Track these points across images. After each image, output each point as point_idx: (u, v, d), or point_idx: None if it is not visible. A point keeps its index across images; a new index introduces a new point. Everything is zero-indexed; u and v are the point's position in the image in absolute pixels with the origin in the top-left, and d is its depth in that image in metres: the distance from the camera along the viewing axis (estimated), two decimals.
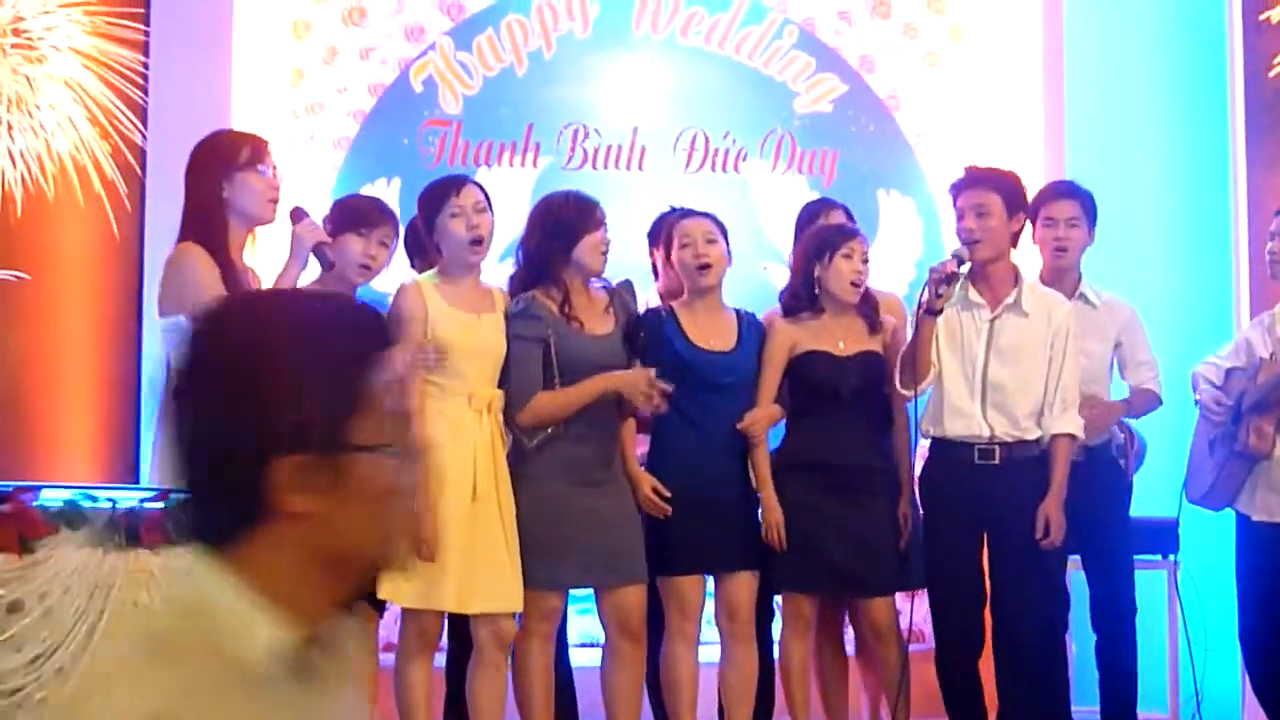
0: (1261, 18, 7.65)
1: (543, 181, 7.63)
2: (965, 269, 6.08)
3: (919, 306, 6.05)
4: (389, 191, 7.60)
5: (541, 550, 5.78)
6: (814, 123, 8.14)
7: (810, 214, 6.67)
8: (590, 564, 5.87)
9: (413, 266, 6.24)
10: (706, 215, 6.23)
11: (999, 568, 6.12)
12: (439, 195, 5.84)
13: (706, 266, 6.11)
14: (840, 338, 6.19)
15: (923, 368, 6.02)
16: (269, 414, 1.95)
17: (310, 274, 5.68)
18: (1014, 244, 6.19)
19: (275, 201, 5.46)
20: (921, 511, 6.21)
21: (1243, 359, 6.27)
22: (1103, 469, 6.49)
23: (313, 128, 7.77)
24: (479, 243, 5.76)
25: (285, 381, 1.96)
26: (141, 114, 7.40)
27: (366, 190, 7.33)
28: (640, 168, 7.97)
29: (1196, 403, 6.37)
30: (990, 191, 6.08)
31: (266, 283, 5.51)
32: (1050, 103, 8.14)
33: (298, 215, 5.55)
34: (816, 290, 6.21)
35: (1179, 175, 7.96)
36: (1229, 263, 7.63)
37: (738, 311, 6.26)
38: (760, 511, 6.10)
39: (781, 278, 6.78)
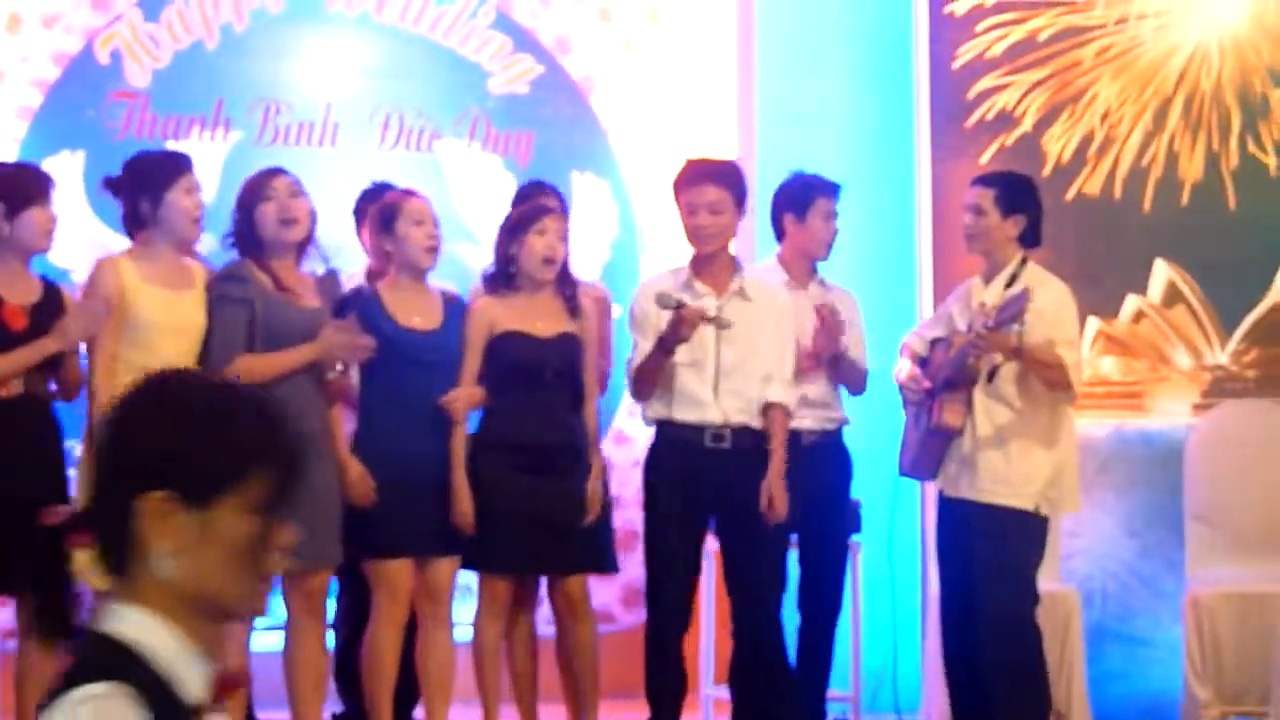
0: (946, 11, 7.81)
1: (233, 157, 7.52)
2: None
3: (661, 340, 6.01)
4: (73, 163, 7.41)
5: None
6: (509, 104, 8.11)
7: (522, 196, 6.65)
8: (297, 548, 5.74)
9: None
10: (424, 197, 6.22)
11: (730, 551, 6.19)
12: (171, 171, 5.78)
13: (435, 249, 6.12)
14: (539, 318, 6.17)
15: (658, 387, 6.06)
16: (146, 453, 2.23)
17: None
18: (733, 234, 6.25)
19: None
20: (643, 493, 6.23)
21: (944, 330, 6.37)
22: (837, 453, 6.70)
23: None
24: (198, 222, 5.70)
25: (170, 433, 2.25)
26: None
27: (50, 163, 7.11)
28: (333, 144, 7.87)
29: (896, 379, 6.45)
30: (723, 188, 6.14)
31: None
32: (742, 88, 8.21)
33: None
34: (513, 269, 6.17)
35: (867, 161, 8.07)
36: (912, 247, 7.77)
37: (442, 291, 6.22)
38: (451, 498, 6.05)
39: (472, 257, 6.73)
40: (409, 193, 6.26)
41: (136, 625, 2.24)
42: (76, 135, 7.59)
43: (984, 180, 6.44)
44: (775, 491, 6.06)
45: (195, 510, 2.25)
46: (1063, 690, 6.59)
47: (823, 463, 6.55)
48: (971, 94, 7.81)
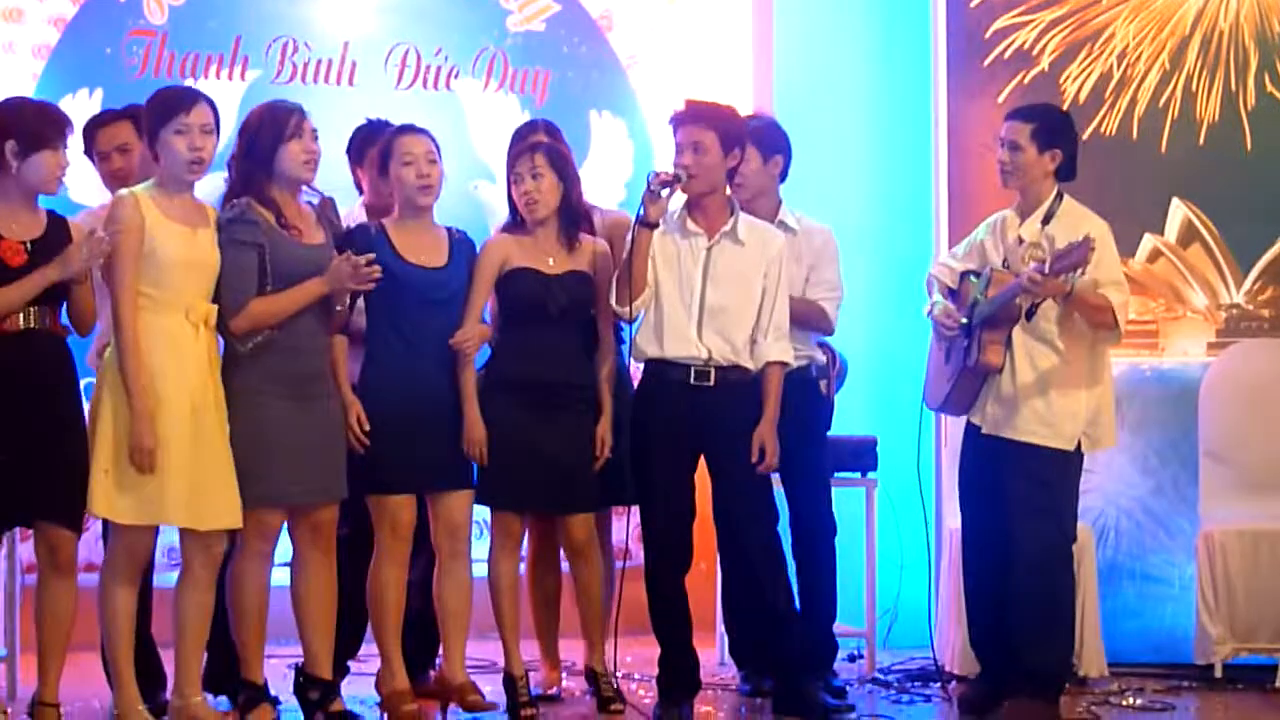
0: None
1: (251, 95, 7.51)
2: (679, 187, 6.06)
3: (636, 219, 6.04)
4: (90, 103, 7.44)
5: (257, 466, 5.72)
6: (526, 42, 8.13)
7: (519, 135, 6.63)
8: (301, 479, 5.80)
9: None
10: (425, 132, 6.16)
11: (718, 488, 6.18)
12: (169, 108, 5.69)
13: (429, 188, 6.06)
14: (550, 255, 6.17)
15: (638, 282, 6.03)
16: None
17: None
18: (730, 178, 6.20)
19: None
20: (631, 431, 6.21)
21: (976, 262, 6.35)
22: (803, 390, 6.55)
23: (11, 35, 7.59)
24: (199, 164, 5.64)
25: None
26: None
27: (67, 101, 7.11)
28: (351, 83, 7.89)
29: (928, 314, 6.42)
30: (708, 129, 6.09)
31: None
32: (759, 27, 8.20)
33: None
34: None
35: (884, 98, 8.08)
36: (929, 186, 7.75)
37: (448, 229, 6.21)
38: (463, 430, 6.07)
39: (491, 196, 6.72)
40: (401, 130, 6.20)
41: None
42: (94, 73, 7.63)
43: (1019, 114, 6.37)
44: (767, 442, 6.06)
45: None
46: (1076, 627, 6.58)
47: (789, 402, 6.33)
48: (989, 32, 7.79)
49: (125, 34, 7.69)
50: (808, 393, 6.60)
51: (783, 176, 6.64)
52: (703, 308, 6.10)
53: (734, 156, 6.16)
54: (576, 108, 7.71)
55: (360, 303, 6.03)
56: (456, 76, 8.03)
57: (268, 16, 7.86)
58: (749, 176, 6.43)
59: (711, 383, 6.09)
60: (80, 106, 7.33)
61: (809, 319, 6.54)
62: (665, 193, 6.03)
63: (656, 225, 6.06)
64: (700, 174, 6.09)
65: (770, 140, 6.57)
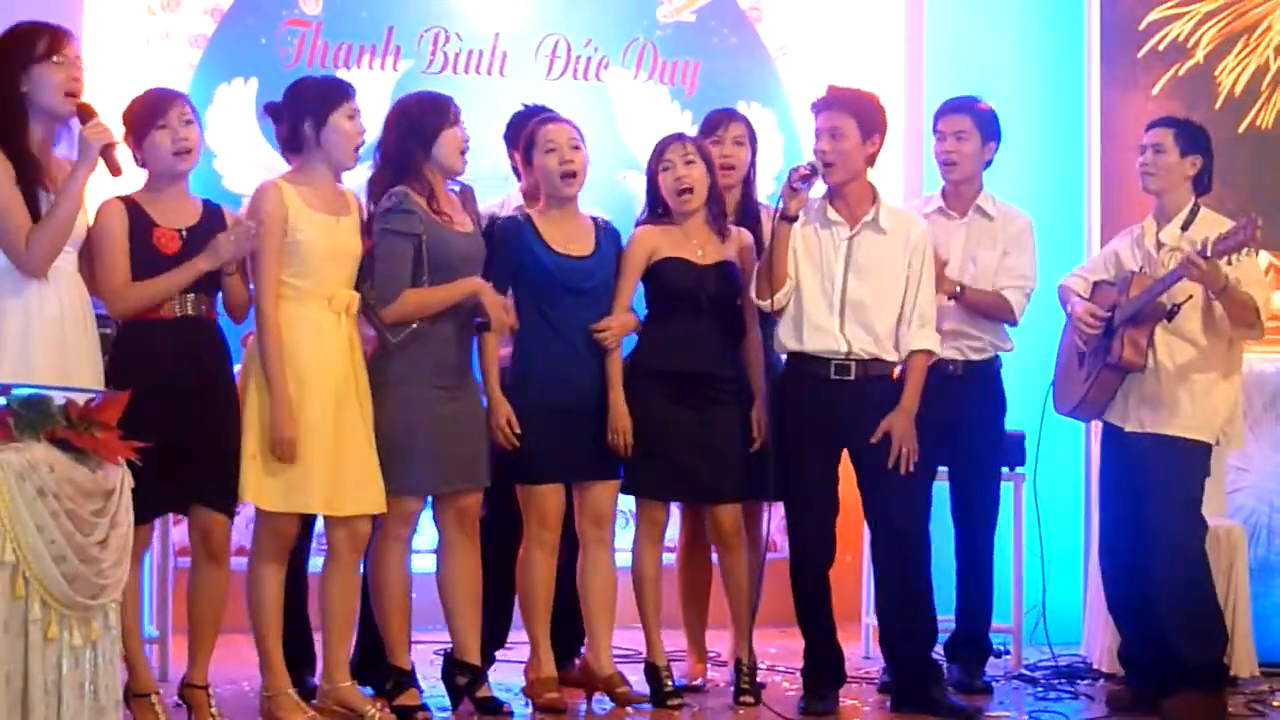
0: None
1: (403, 85, 7.59)
2: (818, 179, 6.05)
3: (775, 212, 6.01)
4: (245, 91, 7.53)
5: (403, 456, 5.78)
6: (676, 32, 8.16)
7: (709, 124, 6.65)
8: (445, 470, 5.84)
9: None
10: (568, 120, 6.16)
11: (864, 483, 6.21)
12: (334, 95, 5.77)
13: (572, 175, 6.04)
14: (700, 245, 6.15)
15: (779, 276, 6.02)
16: None
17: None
18: (870, 164, 6.21)
19: (74, 94, 5.27)
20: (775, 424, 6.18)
21: (1111, 271, 6.39)
22: (982, 383, 6.66)
23: (168, 25, 7.69)
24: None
25: None
26: None
27: (222, 91, 7.18)
28: (501, 73, 7.95)
29: (1068, 315, 6.44)
30: (846, 114, 6.13)
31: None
32: (910, 17, 8.16)
33: (86, 113, 5.31)
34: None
35: (1037, 91, 8.01)
36: (1082, 177, 7.69)
37: (593, 218, 6.22)
38: (608, 418, 6.09)
39: (640, 186, 6.70)
40: (543, 119, 6.25)
41: None
42: (249, 62, 7.72)
43: (1163, 121, 6.44)
44: (896, 430, 6.05)
45: None
46: (1227, 626, 6.48)
47: (967, 393, 6.53)
48: (1143, 24, 7.72)
49: (280, 24, 7.78)
50: (989, 384, 6.69)
51: (987, 164, 6.74)
52: (844, 299, 6.11)
53: (873, 143, 6.12)
54: (725, 99, 7.63)
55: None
56: (606, 67, 8.07)
57: (420, 7, 7.93)
58: (967, 158, 6.60)
59: (852, 376, 6.07)
60: (235, 95, 7.45)
61: (990, 309, 6.59)
62: (804, 187, 5.99)
63: (796, 219, 6.03)
64: (838, 160, 6.10)
65: (987, 127, 6.69)
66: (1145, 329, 6.13)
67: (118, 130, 5.38)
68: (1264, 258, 7.35)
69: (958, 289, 6.49)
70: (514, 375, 6.09)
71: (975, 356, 6.59)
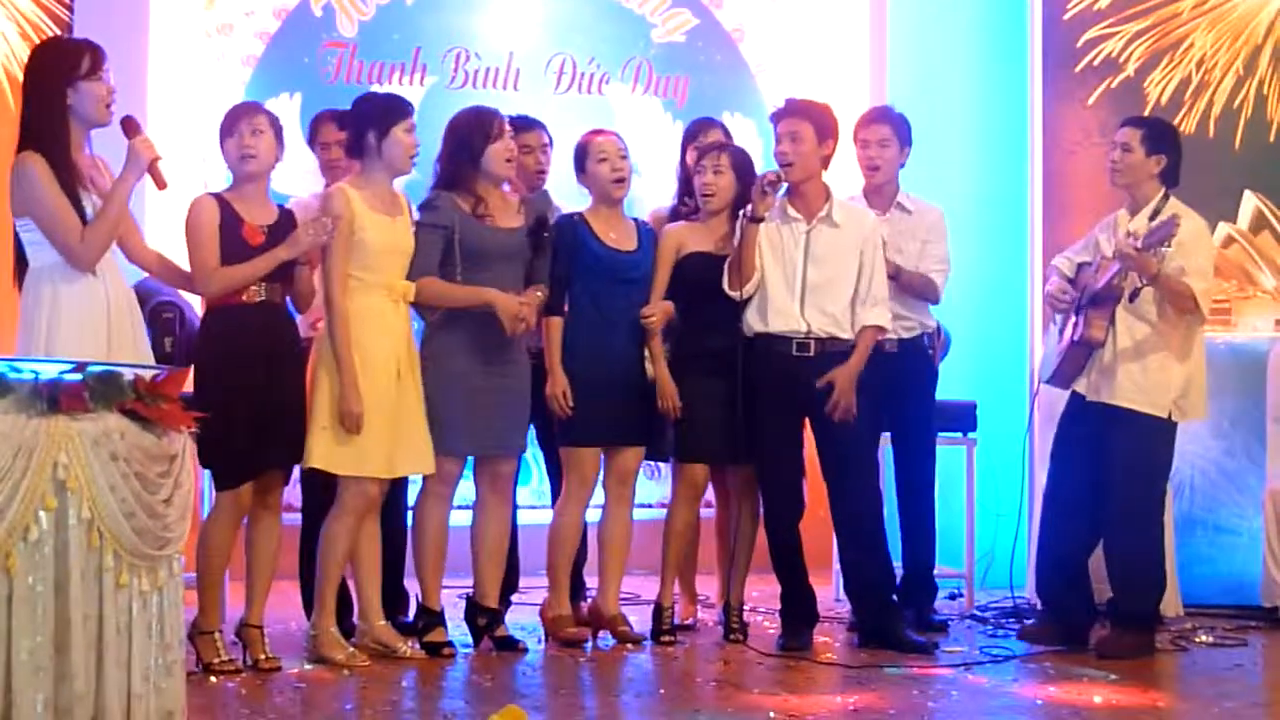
0: None
1: (429, 99, 7.84)
2: (782, 188, 6.16)
3: (744, 215, 6.09)
4: (291, 105, 7.64)
5: (444, 422, 6.02)
6: (669, 51, 8.37)
7: (691, 131, 6.85)
8: (479, 436, 6.07)
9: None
10: (615, 133, 6.47)
11: (823, 449, 6.37)
12: (398, 110, 5.89)
13: (621, 180, 6.26)
14: (722, 240, 6.38)
15: (747, 271, 6.13)
16: None
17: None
18: (825, 166, 6.39)
19: (111, 106, 5.34)
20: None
21: (1092, 255, 6.49)
22: (915, 356, 6.74)
23: (223, 47, 7.90)
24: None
25: None
26: (68, 31, 7.29)
27: (270, 104, 7.22)
28: (515, 88, 8.12)
29: (1046, 293, 6.58)
30: (803, 121, 6.29)
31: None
32: (875, 37, 8.26)
33: (133, 128, 5.38)
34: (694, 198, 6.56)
35: (985, 102, 8.11)
36: (1025, 178, 7.79)
37: (634, 219, 6.53)
38: (656, 390, 6.27)
39: (637, 187, 6.76)
40: (596, 132, 6.52)
41: None
42: (294, 79, 7.95)
43: (1132, 121, 6.55)
44: (839, 383, 6.18)
45: None
46: None
47: (902, 367, 6.63)
48: (1080, 41, 7.80)
49: (320, 45, 8.03)
50: (919, 359, 6.75)
51: (902, 165, 6.80)
52: (804, 285, 6.20)
53: (828, 146, 6.23)
54: (712, 110, 7.80)
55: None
56: (607, 82, 8.29)
57: (444, 30, 8.15)
58: (889, 163, 6.64)
59: (812, 353, 6.19)
60: (282, 108, 7.54)
61: (920, 289, 6.65)
62: (771, 191, 6.09)
63: (763, 220, 6.15)
64: (797, 161, 6.23)
65: (904, 134, 6.74)
66: (1106, 309, 6.26)
67: (159, 143, 5.43)
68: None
69: (894, 271, 6.53)
70: (565, 351, 6.26)
71: (906, 335, 6.74)
